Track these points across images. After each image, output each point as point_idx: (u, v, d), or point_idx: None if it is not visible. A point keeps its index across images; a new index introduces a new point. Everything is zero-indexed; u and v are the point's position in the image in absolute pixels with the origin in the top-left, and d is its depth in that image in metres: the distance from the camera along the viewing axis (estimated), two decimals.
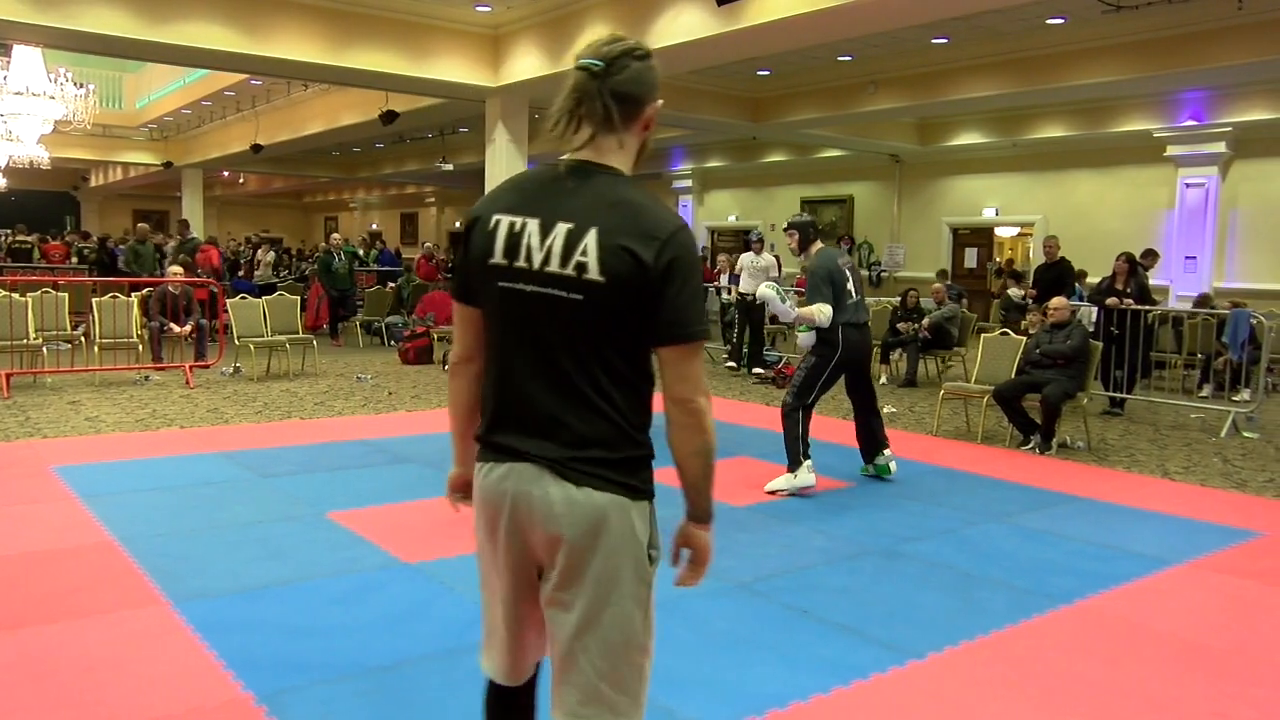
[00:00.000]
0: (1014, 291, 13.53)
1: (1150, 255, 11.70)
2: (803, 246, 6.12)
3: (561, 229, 1.81)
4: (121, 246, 17.24)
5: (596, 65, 1.84)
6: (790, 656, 3.48)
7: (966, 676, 3.42)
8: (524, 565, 1.91)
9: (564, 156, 1.90)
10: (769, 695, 3.14)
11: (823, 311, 5.80)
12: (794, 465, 5.89)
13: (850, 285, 5.99)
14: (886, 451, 6.31)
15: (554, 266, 1.80)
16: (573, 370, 1.81)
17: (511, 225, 1.85)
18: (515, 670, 2.03)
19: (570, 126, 1.87)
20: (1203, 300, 11.99)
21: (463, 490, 2.11)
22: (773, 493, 5.84)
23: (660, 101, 1.92)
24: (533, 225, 1.83)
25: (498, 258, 1.85)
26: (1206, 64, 10.84)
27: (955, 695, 3.27)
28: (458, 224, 31.57)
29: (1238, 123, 14.06)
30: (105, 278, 13.50)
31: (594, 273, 1.77)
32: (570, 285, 1.79)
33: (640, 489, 1.86)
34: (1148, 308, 9.43)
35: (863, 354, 6.17)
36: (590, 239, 1.78)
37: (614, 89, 1.84)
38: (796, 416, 5.90)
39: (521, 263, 1.83)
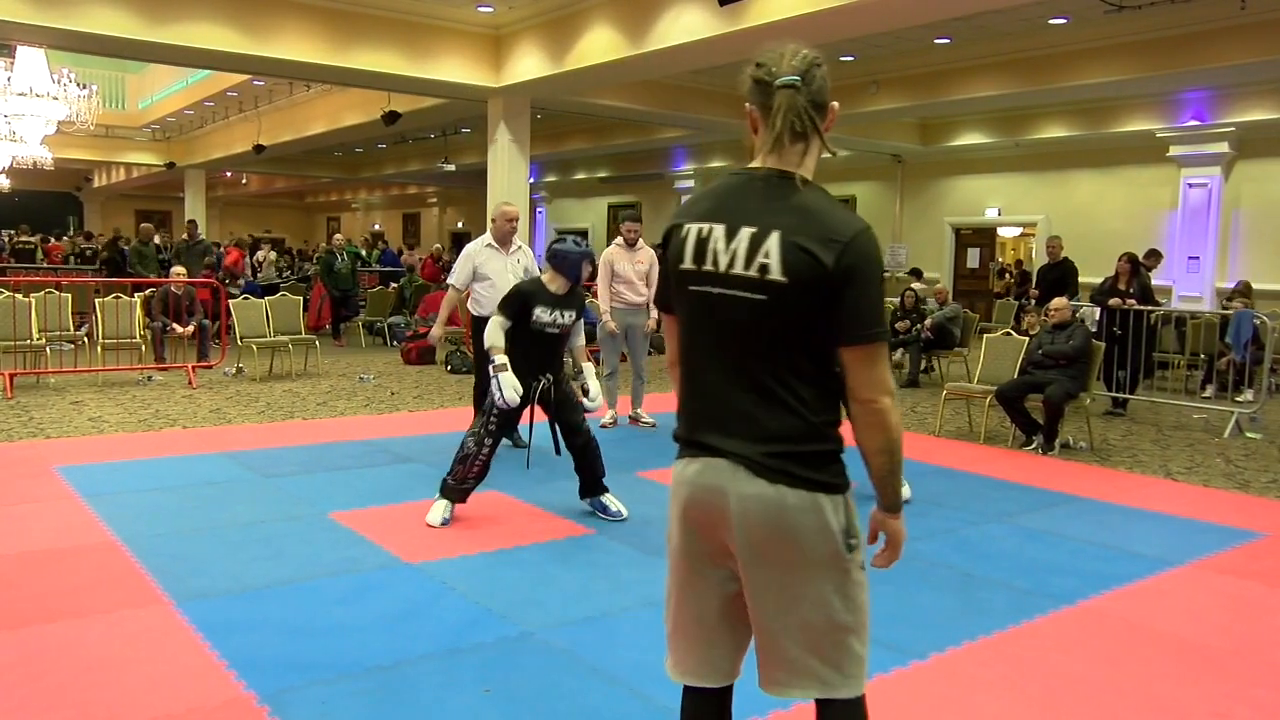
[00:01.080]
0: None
1: (1153, 255, 11.68)
2: None
3: (745, 233, 1.89)
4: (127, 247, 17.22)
5: (797, 80, 1.90)
6: None
7: (968, 677, 3.42)
8: (716, 559, 1.97)
9: (752, 165, 1.97)
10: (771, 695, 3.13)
11: None
12: None
13: None
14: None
15: (738, 269, 1.88)
16: (761, 369, 1.89)
17: (700, 231, 1.94)
18: (707, 669, 2.04)
19: (793, 142, 1.91)
20: (1245, 288, 11.70)
21: None
22: None
23: (836, 104, 1.98)
24: (719, 230, 1.91)
25: (688, 263, 1.94)
26: (1209, 64, 10.83)
27: (957, 695, 3.26)
28: (459, 224, 31.62)
29: (1240, 123, 14.04)
30: (115, 278, 13.45)
31: (776, 273, 1.84)
32: (754, 286, 1.86)
33: (830, 483, 1.93)
34: (1150, 308, 9.42)
35: None
36: (772, 241, 1.86)
37: (812, 99, 1.92)
38: None
39: (709, 266, 1.91)
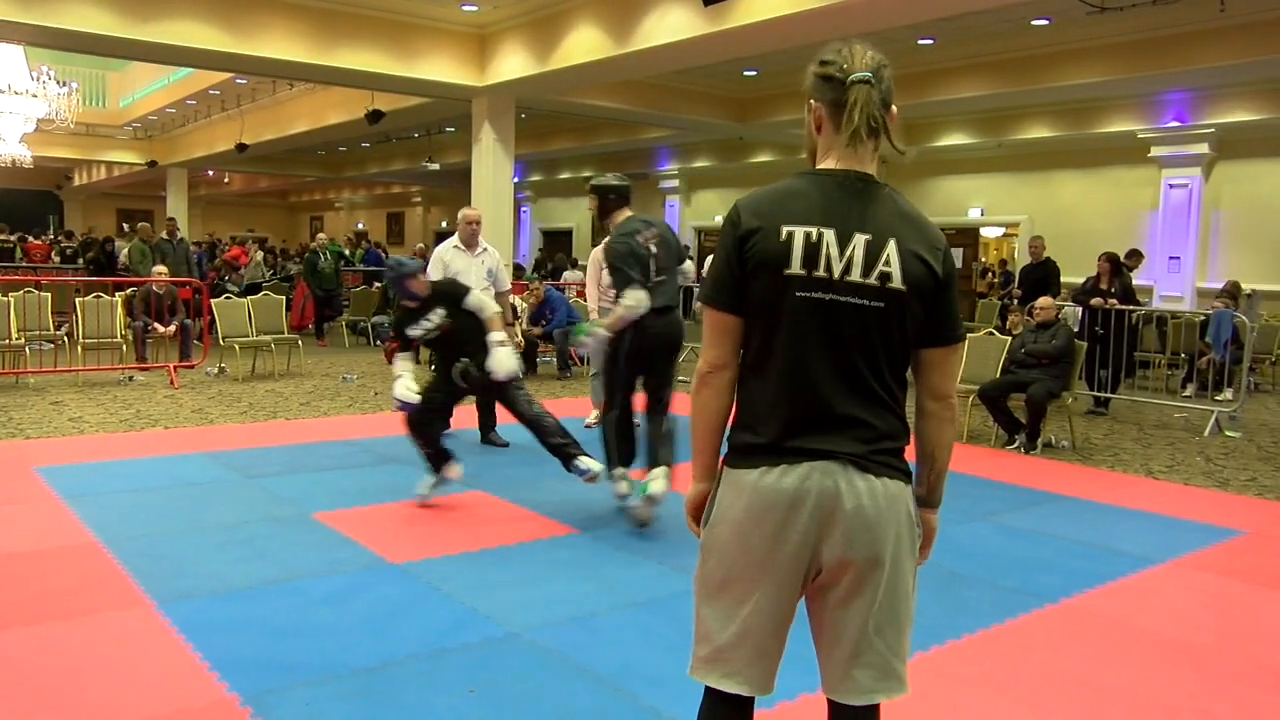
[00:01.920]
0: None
1: (1135, 255, 11.75)
2: (604, 214, 6.04)
3: (860, 239, 1.87)
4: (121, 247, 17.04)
5: (870, 77, 1.89)
6: None
7: (952, 675, 3.43)
8: (804, 566, 1.93)
9: (824, 167, 1.94)
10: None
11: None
12: None
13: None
14: None
15: (855, 276, 1.87)
16: (868, 371, 1.91)
17: (808, 236, 1.88)
18: (769, 679, 2.01)
19: (868, 138, 1.89)
20: (1233, 288, 11.78)
21: (704, 507, 2.05)
22: None
23: (895, 108, 1.96)
24: (829, 236, 1.88)
25: (795, 268, 1.87)
26: (1190, 65, 10.92)
27: (941, 694, 3.28)
28: (443, 223, 31.53)
29: (1221, 124, 14.15)
30: (101, 278, 13.30)
31: (897, 282, 1.87)
32: (872, 294, 1.87)
33: (910, 474, 2.01)
34: (1132, 308, 9.49)
35: None
36: (891, 249, 1.87)
37: (884, 98, 1.91)
38: None
39: (821, 272, 1.87)
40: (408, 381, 5.39)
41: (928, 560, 2.13)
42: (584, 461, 5.22)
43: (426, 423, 5.49)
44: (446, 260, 7.17)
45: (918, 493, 2.05)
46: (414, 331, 5.45)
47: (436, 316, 5.42)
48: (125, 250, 14.86)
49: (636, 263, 4.92)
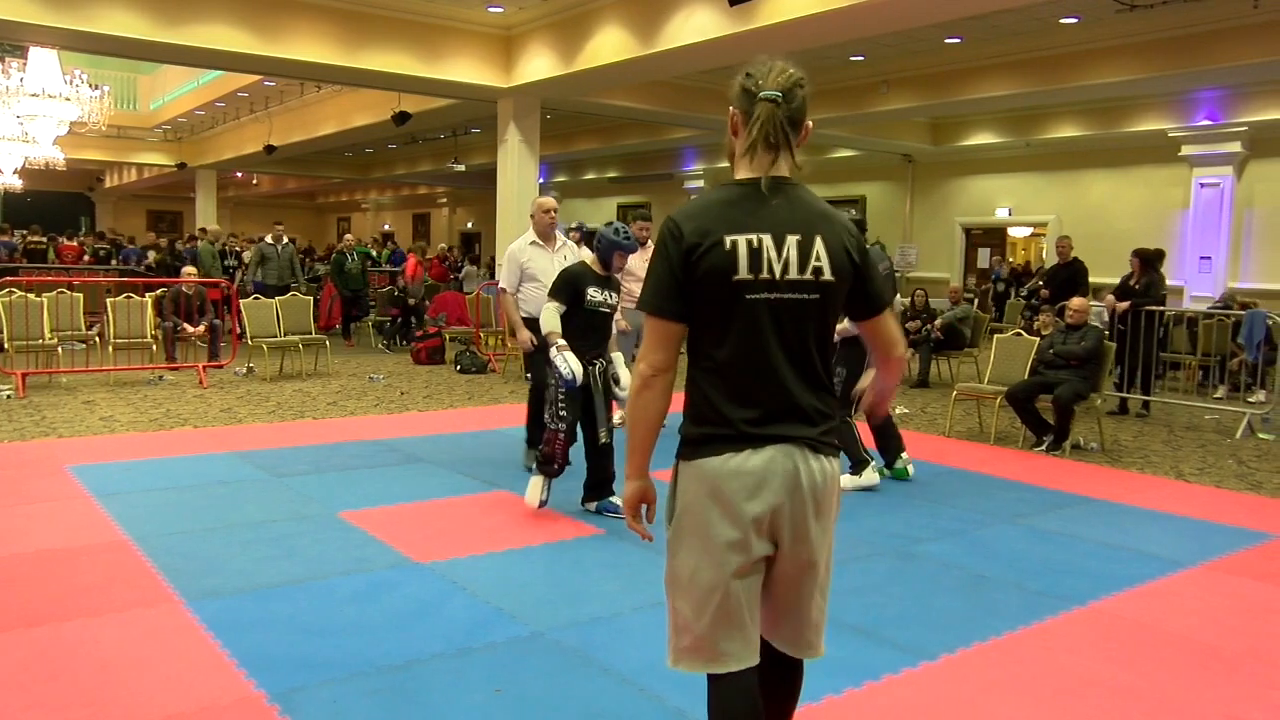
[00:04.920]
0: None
1: (1158, 255, 11.67)
2: None
3: (792, 240, 2.08)
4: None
5: (779, 96, 2.10)
6: None
7: (979, 678, 3.41)
8: (767, 543, 2.12)
9: (741, 175, 2.15)
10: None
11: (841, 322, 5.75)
12: (858, 466, 6.02)
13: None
14: (904, 455, 6.33)
15: (794, 274, 2.08)
16: (811, 359, 2.13)
17: (749, 243, 2.06)
18: (754, 649, 2.17)
19: (763, 150, 2.10)
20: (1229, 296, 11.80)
21: (646, 503, 2.21)
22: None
23: (811, 122, 2.20)
24: (767, 240, 2.07)
25: (743, 274, 2.06)
26: (1221, 63, 10.78)
27: (967, 696, 3.26)
28: (469, 224, 31.66)
29: (1253, 122, 13.98)
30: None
31: (828, 274, 2.10)
32: (809, 288, 2.09)
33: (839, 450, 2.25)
34: (1153, 307, 9.38)
35: None
36: (819, 246, 2.09)
37: (790, 116, 2.11)
38: (849, 423, 5.91)
39: (765, 275, 2.06)
40: (576, 360, 5.01)
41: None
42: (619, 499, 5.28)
43: (575, 417, 5.22)
44: (524, 261, 6.26)
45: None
46: (596, 297, 5.17)
47: (613, 297, 5.28)
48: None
49: None
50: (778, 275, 2.06)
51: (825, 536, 2.16)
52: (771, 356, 2.09)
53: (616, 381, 5.37)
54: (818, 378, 2.13)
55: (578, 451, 5.33)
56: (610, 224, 5.38)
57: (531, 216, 6.53)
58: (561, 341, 5.09)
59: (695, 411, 2.14)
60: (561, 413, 5.15)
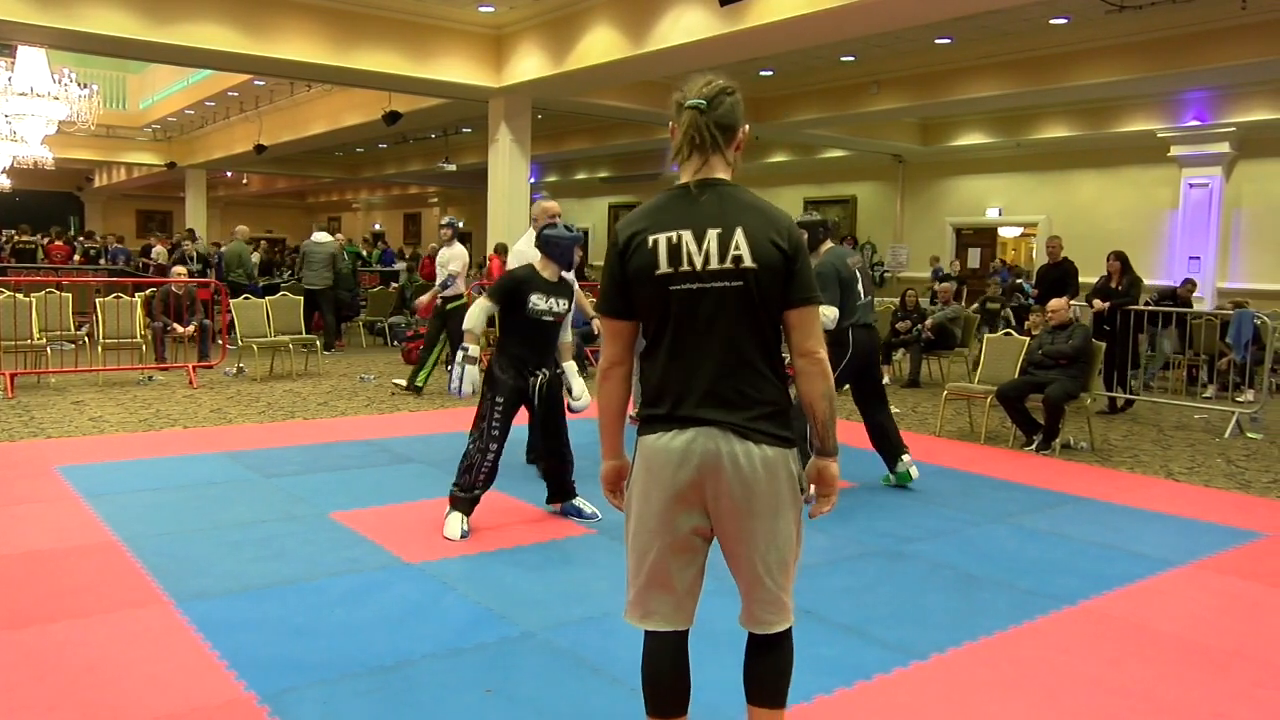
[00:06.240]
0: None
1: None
2: (812, 246, 6.05)
3: (712, 234, 2.22)
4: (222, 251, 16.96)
5: (702, 104, 2.26)
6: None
7: (969, 677, 3.42)
8: (695, 518, 2.29)
9: (684, 180, 2.31)
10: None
11: (826, 314, 5.73)
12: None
13: (859, 286, 5.97)
14: (905, 457, 6.12)
15: (714, 264, 2.21)
16: (741, 346, 2.24)
17: (669, 239, 2.23)
18: (684, 615, 2.37)
19: (690, 154, 2.29)
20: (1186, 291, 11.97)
21: (622, 479, 2.45)
22: None
23: (748, 126, 2.35)
24: (687, 235, 2.23)
25: (664, 268, 2.23)
26: (1210, 64, 10.84)
27: (958, 696, 3.26)
28: (460, 224, 31.58)
29: (1241, 123, 14.05)
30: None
31: (748, 261, 2.21)
32: (730, 275, 2.21)
33: (790, 439, 2.30)
34: (1134, 307, 9.43)
35: (871, 355, 6.15)
36: (739, 236, 2.22)
37: (717, 121, 2.26)
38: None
39: (685, 267, 2.22)
40: (475, 377, 4.86)
41: (832, 506, 2.41)
42: (586, 505, 5.27)
43: (507, 431, 4.93)
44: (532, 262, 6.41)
45: (814, 444, 2.36)
46: (540, 305, 4.83)
47: (561, 305, 4.95)
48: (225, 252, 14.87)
49: (840, 285, 5.79)
50: (699, 266, 2.22)
51: (759, 520, 2.26)
52: (697, 344, 2.24)
53: (570, 391, 5.24)
54: (749, 365, 2.24)
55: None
56: (554, 223, 5.09)
57: (533, 219, 6.47)
58: (474, 349, 4.88)
59: (643, 395, 2.36)
60: (494, 431, 4.84)
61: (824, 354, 2.28)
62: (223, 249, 16.00)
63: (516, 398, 4.93)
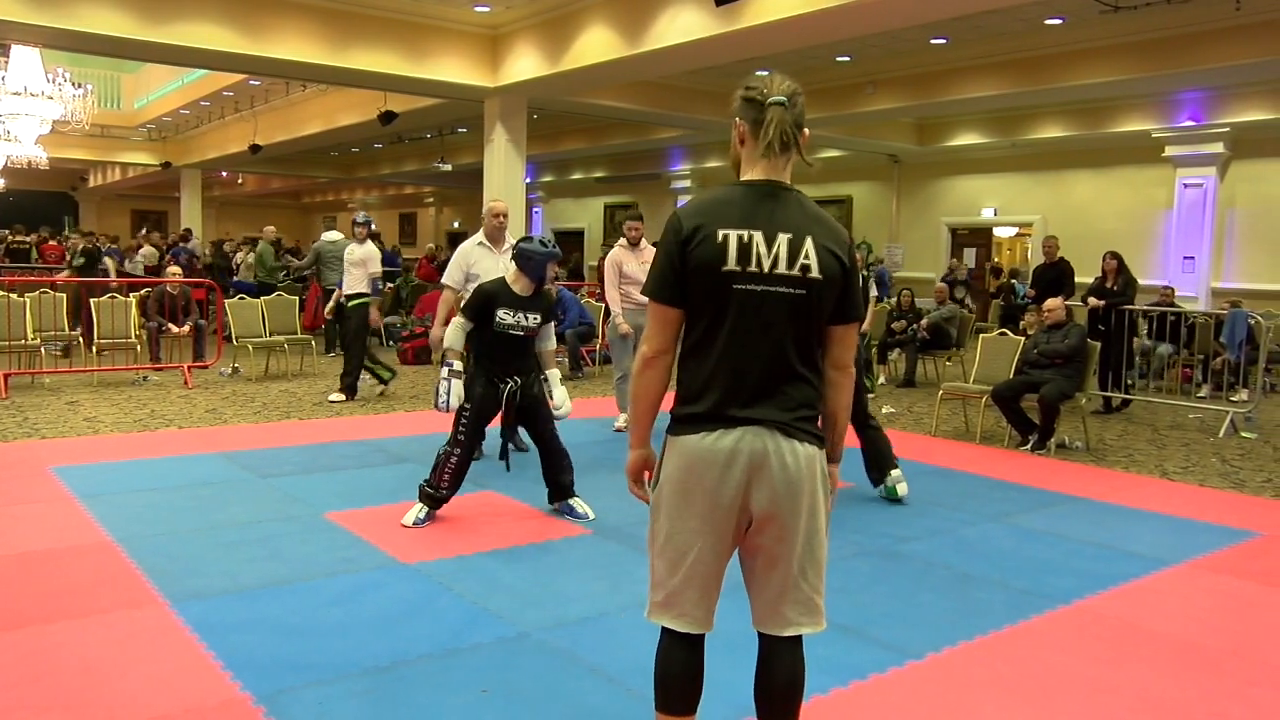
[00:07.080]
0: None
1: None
2: None
3: (783, 238, 2.24)
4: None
5: (785, 101, 2.25)
6: None
7: (964, 677, 3.42)
8: (736, 517, 2.28)
9: (749, 177, 2.30)
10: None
11: None
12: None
13: None
14: (895, 472, 5.85)
15: (782, 269, 2.23)
16: (791, 350, 2.26)
17: (740, 237, 2.23)
18: (710, 618, 2.36)
19: (780, 152, 2.26)
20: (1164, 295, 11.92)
21: (646, 470, 2.42)
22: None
23: (809, 130, 2.33)
24: (758, 236, 2.23)
25: (731, 264, 2.22)
26: (1205, 64, 10.86)
27: (953, 696, 3.27)
28: (455, 224, 31.57)
29: (1236, 123, 14.07)
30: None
31: (815, 272, 2.24)
32: (796, 283, 2.23)
33: (822, 440, 2.35)
34: (1128, 307, 9.45)
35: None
36: (809, 245, 2.24)
37: (796, 120, 2.27)
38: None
39: (754, 268, 2.22)
40: (461, 391, 5.04)
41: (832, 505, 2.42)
42: (580, 505, 5.29)
43: (481, 435, 5.15)
44: (471, 260, 6.54)
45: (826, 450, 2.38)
46: (506, 320, 4.96)
47: (531, 319, 5.06)
48: (253, 253, 14.80)
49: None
50: (766, 269, 2.22)
51: (801, 518, 2.27)
52: (752, 344, 2.24)
53: (551, 396, 5.27)
54: (795, 368, 2.27)
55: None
56: (529, 238, 5.15)
57: (482, 218, 6.73)
58: (456, 365, 5.01)
59: (682, 392, 2.33)
60: (460, 436, 4.99)
61: (853, 370, 2.38)
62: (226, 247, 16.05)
63: (486, 405, 5.05)
